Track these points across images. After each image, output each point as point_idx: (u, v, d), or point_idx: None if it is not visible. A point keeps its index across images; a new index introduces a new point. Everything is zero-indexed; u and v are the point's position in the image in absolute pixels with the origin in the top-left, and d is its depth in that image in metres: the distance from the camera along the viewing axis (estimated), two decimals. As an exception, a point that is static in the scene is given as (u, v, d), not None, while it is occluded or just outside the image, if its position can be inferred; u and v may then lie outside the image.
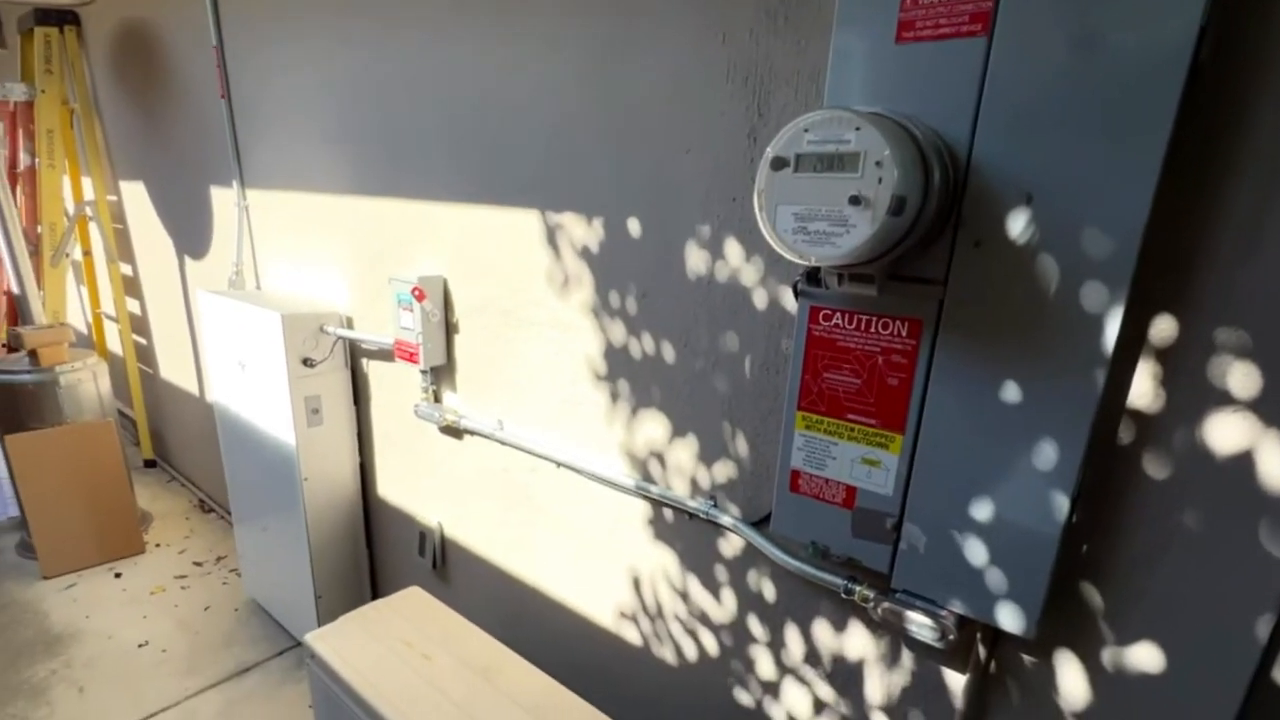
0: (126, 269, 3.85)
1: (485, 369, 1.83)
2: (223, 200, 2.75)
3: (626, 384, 1.51)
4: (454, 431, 1.97)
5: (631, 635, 1.67)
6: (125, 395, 3.95)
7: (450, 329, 1.89)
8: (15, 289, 3.07)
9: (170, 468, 4.07)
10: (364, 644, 1.71)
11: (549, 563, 1.82)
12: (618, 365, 1.51)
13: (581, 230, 1.50)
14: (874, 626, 1.22)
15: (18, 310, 3.14)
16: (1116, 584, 0.96)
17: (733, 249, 1.26)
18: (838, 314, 1.05)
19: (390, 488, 2.34)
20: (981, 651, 1.09)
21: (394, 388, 2.17)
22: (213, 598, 2.88)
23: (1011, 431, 0.92)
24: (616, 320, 1.49)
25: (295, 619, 2.55)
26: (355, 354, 2.29)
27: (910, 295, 0.97)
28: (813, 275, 1.02)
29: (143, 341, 3.95)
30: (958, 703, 1.14)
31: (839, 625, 1.28)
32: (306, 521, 2.27)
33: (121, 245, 3.80)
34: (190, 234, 3.09)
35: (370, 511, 2.46)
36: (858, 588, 1.15)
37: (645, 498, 1.53)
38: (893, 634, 1.20)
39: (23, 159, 3.37)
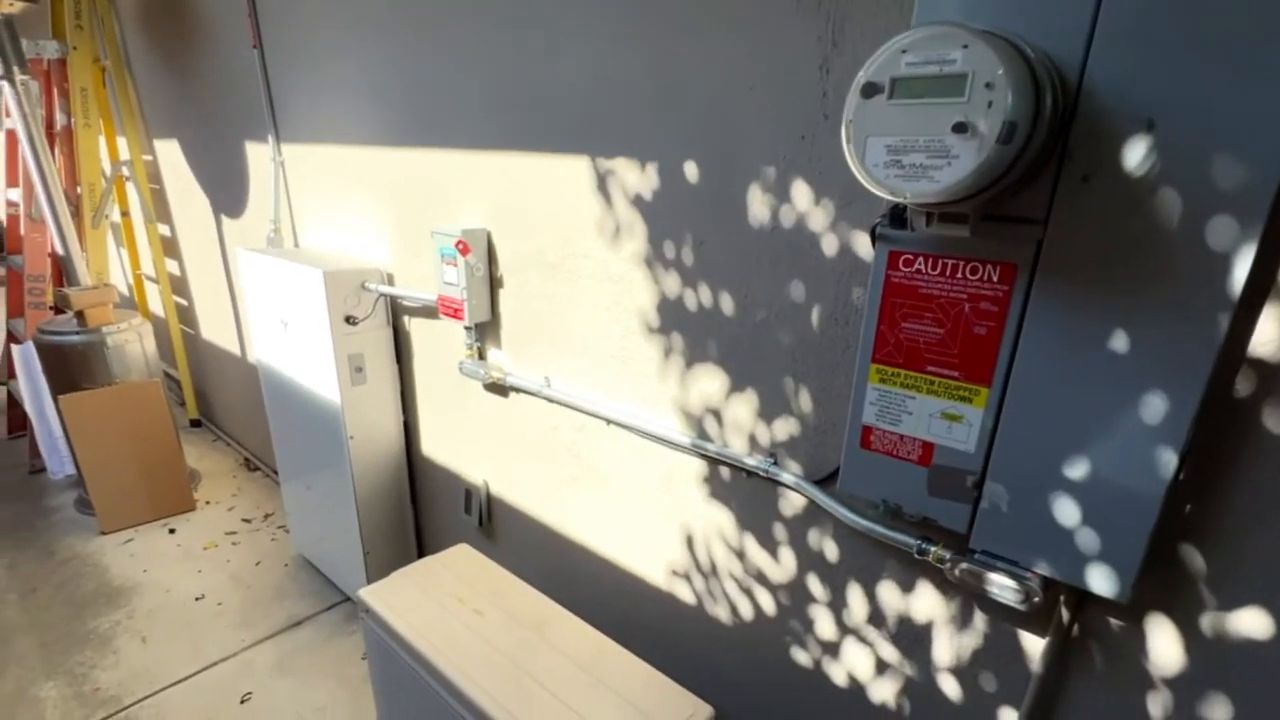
0: (164, 230, 3.91)
1: (531, 324, 1.81)
2: (258, 156, 2.75)
3: (681, 338, 1.48)
4: (499, 389, 1.97)
5: (683, 593, 1.67)
6: (169, 356, 4.06)
7: (495, 284, 1.87)
8: (60, 250, 3.14)
9: (215, 427, 4.19)
10: (416, 599, 1.75)
11: (598, 521, 1.82)
12: (672, 318, 1.48)
13: (634, 177, 1.45)
14: (946, 587, 1.19)
15: (63, 272, 3.21)
16: (1222, 546, 0.91)
17: (800, 192, 1.20)
18: (920, 259, 0.99)
19: (434, 446, 2.36)
20: (1064, 614, 1.05)
21: (437, 345, 2.17)
22: (263, 553, 2.98)
23: (1116, 383, 0.86)
24: (671, 271, 1.45)
25: (343, 574, 2.63)
26: (397, 311, 2.29)
27: (1005, 237, 0.90)
28: (896, 216, 0.96)
29: (183, 302, 4.03)
30: (1035, 666, 1.11)
31: (906, 586, 1.25)
32: (353, 479, 2.32)
33: (158, 205, 3.85)
34: (226, 192, 3.10)
35: (414, 469, 2.50)
36: (932, 548, 1.12)
37: (700, 455, 1.51)
38: (966, 595, 1.17)
39: (59, 119, 3.41)
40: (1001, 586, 1.03)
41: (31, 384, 3.34)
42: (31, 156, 2.97)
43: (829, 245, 1.19)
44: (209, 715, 2.12)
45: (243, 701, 2.18)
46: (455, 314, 1.88)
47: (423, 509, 2.55)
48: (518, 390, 1.91)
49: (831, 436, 1.28)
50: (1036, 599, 1.00)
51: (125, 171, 3.76)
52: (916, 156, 0.77)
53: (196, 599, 2.67)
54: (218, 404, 4.09)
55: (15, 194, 3.57)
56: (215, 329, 3.78)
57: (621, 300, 1.56)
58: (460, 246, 1.76)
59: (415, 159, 1.98)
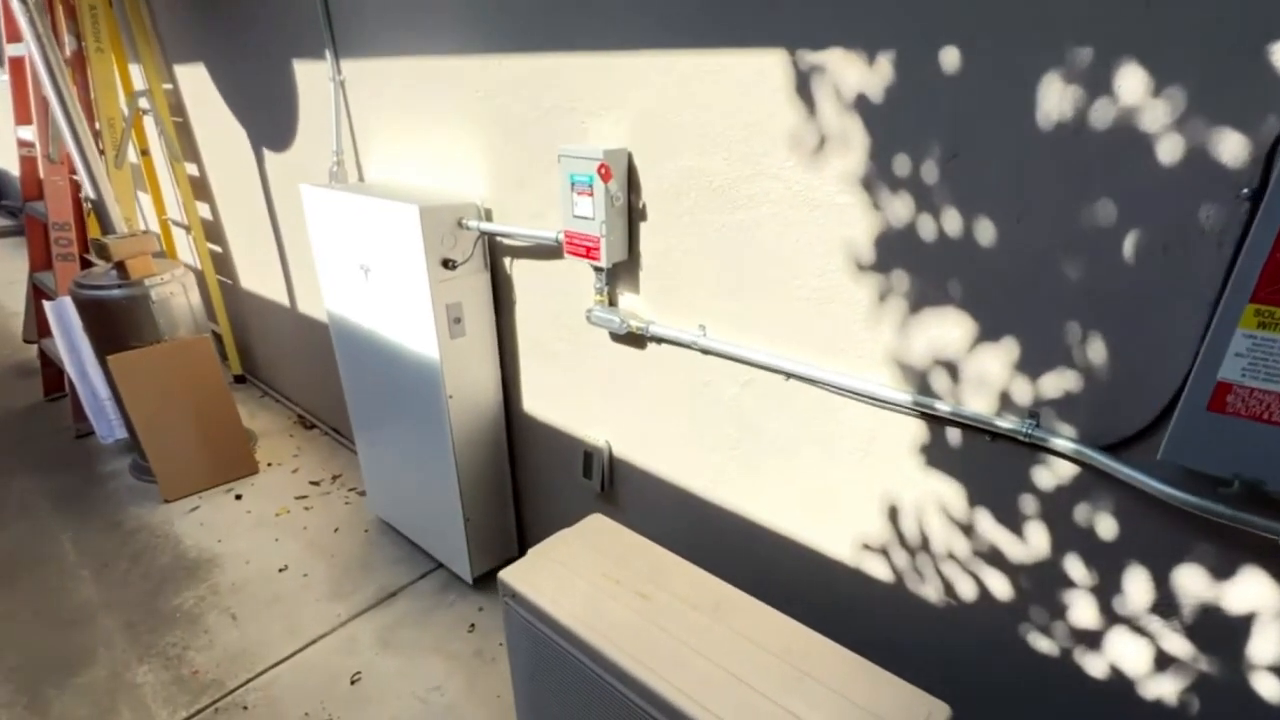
0: (191, 169, 3.63)
1: (683, 264, 1.57)
2: (311, 77, 2.45)
3: (907, 276, 1.24)
4: (635, 339, 1.75)
5: (877, 570, 1.49)
6: (206, 308, 3.85)
7: (634, 216, 1.62)
8: (90, 192, 2.88)
9: (261, 383, 4.02)
10: (566, 580, 1.58)
11: (761, 489, 1.63)
12: (895, 252, 1.23)
13: (855, 74, 1.18)
14: (1295, 577, 0.99)
15: (98, 218, 2.96)
16: None
17: (1130, 78, 0.93)
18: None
19: (540, 403, 2.17)
20: None
21: (548, 291, 1.94)
22: (339, 518, 2.85)
23: None
24: (901, 194, 1.19)
25: (435, 541, 2.49)
26: (495, 252, 2.05)
27: None
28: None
29: (217, 249, 3.79)
30: None
31: (1222, 571, 1.05)
32: (453, 442, 2.13)
33: (183, 141, 3.55)
34: (269, 122, 2.81)
35: (513, 429, 2.31)
36: (1313, 535, 0.91)
37: (922, 415, 1.30)
38: (1326, 587, 0.97)
39: (68, 42, 3.09)
40: None
41: (69, 343, 3.15)
42: (50, 85, 2.67)
43: (1168, 150, 0.93)
44: (320, 699, 2.01)
45: (353, 682, 2.07)
46: (588, 253, 1.64)
47: (522, 472, 2.37)
48: (660, 340, 1.69)
49: (1131, 393, 1.05)
50: None
51: (144, 104, 3.46)
52: None
53: (280, 570, 2.54)
54: (263, 358, 3.91)
55: (28, 132, 3.28)
56: (258, 278, 3.55)
57: (820, 231, 1.32)
58: (602, 171, 1.51)
59: (524, 68, 1.70)
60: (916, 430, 1.32)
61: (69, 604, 2.40)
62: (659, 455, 1.85)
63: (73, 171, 3.10)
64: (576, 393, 2.01)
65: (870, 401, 1.36)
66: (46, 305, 3.18)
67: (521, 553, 2.50)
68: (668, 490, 1.86)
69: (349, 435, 3.32)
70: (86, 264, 3.30)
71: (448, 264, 1.93)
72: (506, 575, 1.60)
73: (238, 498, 2.99)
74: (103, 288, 2.78)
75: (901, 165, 1.18)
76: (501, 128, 1.84)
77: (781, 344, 1.47)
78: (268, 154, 2.93)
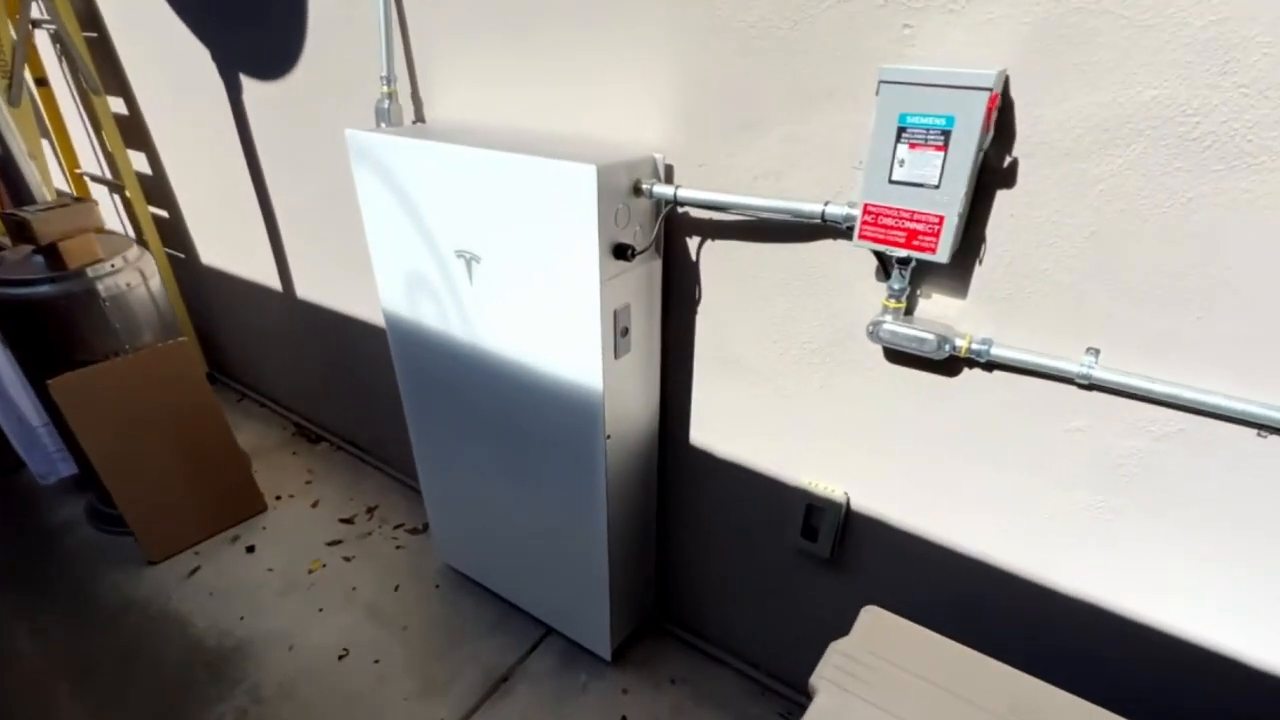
0: (117, 105, 2.74)
1: (1073, 254, 1.03)
2: (333, -35, 1.69)
3: None
4: (947, 364, 1.21)
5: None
6: (155, 291, 3.03)
7: (987, 181, 1.05)
8: (-12, 146, 2.04)
9: (238, 385, 3.27)
10: (892, 694, 1.09)
11: (1152, 573, 1.16)
12: None
13: None
14: None
15: (5, 181, 2.12)
16: None
17: None
18: None
19: (717, 437, 1.61)
20: None
21: (767, 287, 1.36)
22: (395, 571, 2.25)
23: None
24: None
25: (545, 598, 1.95)
26: (672, 231, 1.44)
27: None
28: None
29: (161, 214, 2.95)
30: None
31: None
32: (607, 493, 1.57)
33: (102, 66, 2.66)
34: (253, 37, 2.02)
35: (667, 465, 1.76)
36: None
37: None
38: None
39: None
40: None
41: (-23, 355, 2.34)
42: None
43: None
44: None
45: (496, 830, 1.54)
46: (910, 240, 1.07)
47: (676, 520, 1.83)
48: (996, 366, 1.16)
49: None
50: None
51: (38, 9, 2.53)
52: None
53: (340, 657, 1.95)
54: (239, 354, 3.14)
55: None
56: (227, 252, 2.77)
57: None
58: (988, 107, 0.92)
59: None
60: None
61: (47, 738, 1.76)
62: (940, 516, 1.35)
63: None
64: (797, 426, 1.46)
65: None
66: (-65, 304, 2.34)
67: (662, 617, 2.00)
68: (950, 561, 1.37)
69: (375, 449, 2.68)
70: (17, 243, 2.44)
71: (623, 252, 1.31)
72: (823, 685, 1.10)
73: (249, 550, 2.33)
74: (29, 283, 2.00)
75: None
76: (717, 36, 1.20)
77: (1257, 383, 0.96)
78: (248, 83, 2.14)
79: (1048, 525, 1.23)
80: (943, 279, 1.16)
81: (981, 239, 1.09)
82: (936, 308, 1.19)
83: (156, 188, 2.86)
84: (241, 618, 2.07)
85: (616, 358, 1.43)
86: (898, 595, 1.48)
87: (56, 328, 2.07)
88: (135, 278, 2.18)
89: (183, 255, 3.01)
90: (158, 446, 2.22)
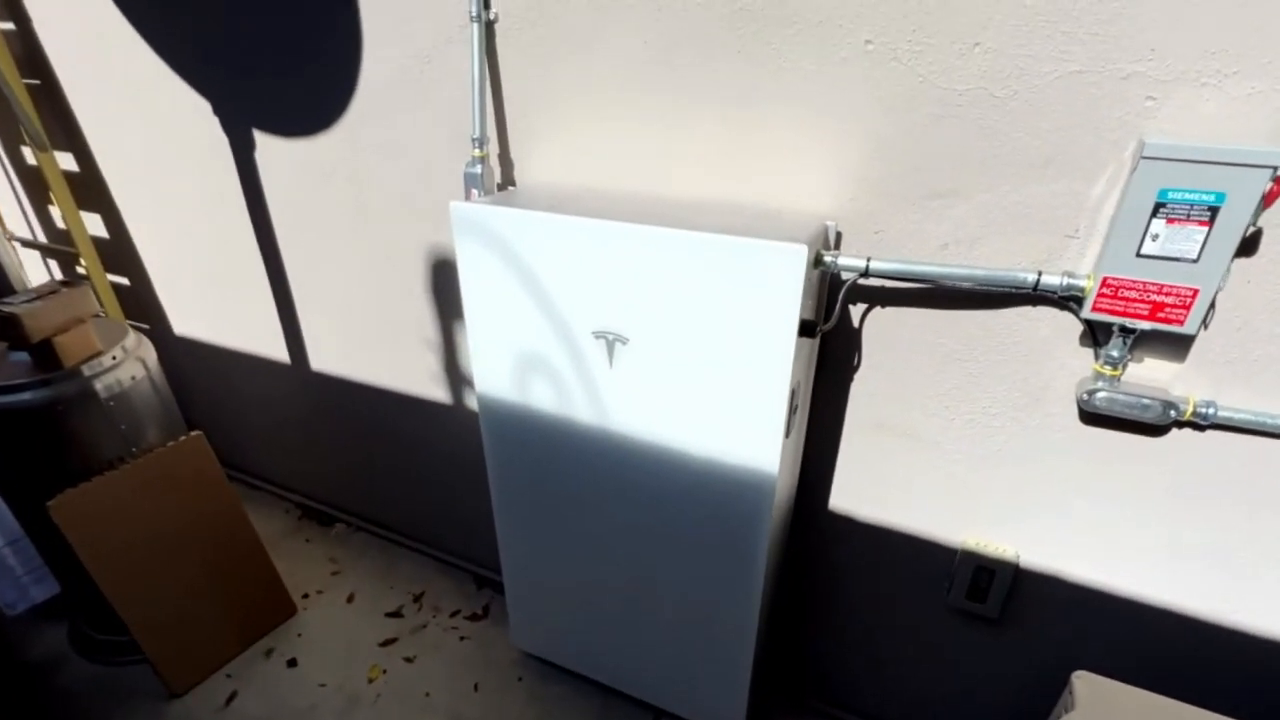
0: (66, 161, 2.40)
1: (1313, 319, 1.06)
2: (403, 7, 1.53)
3: None
4: (1154, 427, 1.21)
5: None
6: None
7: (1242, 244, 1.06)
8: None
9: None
10: None
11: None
12: None
13: None
14: None
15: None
16: None
17: None
18: None
19: (859, 501, 1.57)
20: None
21: (945, 353, 1.33)
22: (468, 666, 2.06)
23: None
24: None
25: (663, 682, 1.83)
26: (833, 298, 1.39)
27: None
28: None
29: (122, 282, 2.60)
30: None
31: None
32: (766, 576, 1.49)
33: (49, 117, 2.31)
34: (279, 86, 1.80)
35: (798, 530, 1.70)
36: None
37: None
38: None
39: None
40: None
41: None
42: None
43: None
44: None
45: None
46: (1155, 313, 1.06)
47: (813, 589, 1.77)
48: (1215, 428, 1.17)
49: None
50: None
51: (-35, 57, 2.17)
52: None
53: (437, 782, 1.76)
54: (225, 430, 2.81)
55: None
56: (215, 323, 2.47)
57: None
58: (1278, 183, 0.93)
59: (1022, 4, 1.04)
60: None
61: None
62: (1132, 569, 1.36)
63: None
64: (960, 489, 1.44)
65: None
66: None
67: (804, 693, 1.90)
68: (1145, 615, 1.38)
69: (413, 531, 2.47)
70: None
71: (809, 329, 1.25)
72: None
73: (291, 664, 2.07)
74: (17, 388, 1.69)
75: None
76: (916, 103, 1.16)
77: None
78: (264, 140, 1.91)
79: (1265, 569, 1.25)
80: (1160, 344, 1.16)
81: (1210, 305, 1.10)
82: (1146, 371, 1.19)
83: (115, 253, 2.52)
84: (306, 750, 1.83)
85: (786, 436, 1.35)
86: (1070, 653, 1.48)
87: (49, 438, 1.76)
88: (138, 369, 1.89)
89: (147, 327, 2.66)
90: (175, 560, 1.93)
